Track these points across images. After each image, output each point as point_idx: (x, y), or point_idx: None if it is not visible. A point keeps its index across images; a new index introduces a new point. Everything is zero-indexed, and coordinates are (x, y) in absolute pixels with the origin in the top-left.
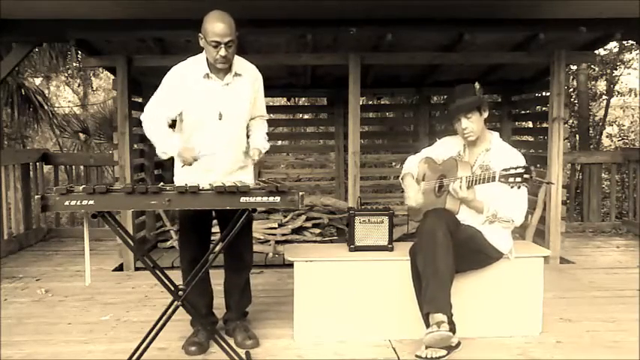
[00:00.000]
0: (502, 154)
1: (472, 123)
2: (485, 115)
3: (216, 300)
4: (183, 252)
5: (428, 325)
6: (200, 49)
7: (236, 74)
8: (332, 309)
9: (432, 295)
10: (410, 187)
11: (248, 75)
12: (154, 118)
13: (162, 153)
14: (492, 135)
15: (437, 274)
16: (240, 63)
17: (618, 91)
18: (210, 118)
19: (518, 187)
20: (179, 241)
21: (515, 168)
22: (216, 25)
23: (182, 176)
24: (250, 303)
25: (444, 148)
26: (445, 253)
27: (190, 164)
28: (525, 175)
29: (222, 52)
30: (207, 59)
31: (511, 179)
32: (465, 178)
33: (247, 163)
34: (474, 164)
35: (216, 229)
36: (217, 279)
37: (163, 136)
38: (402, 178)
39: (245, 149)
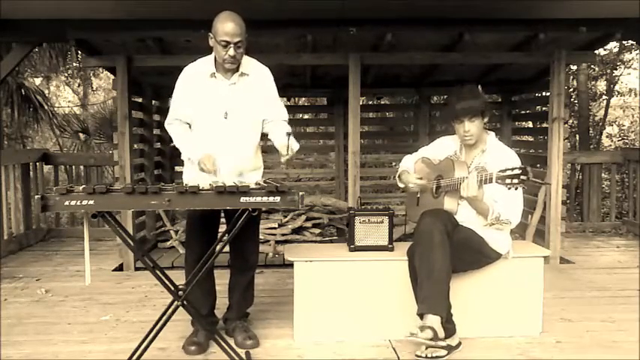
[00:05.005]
0: (498, 154)
1: (474, 127)
2: (486, 119)
3: (218, 300)
4: (189, 251)
5: None
6: (205, 50)
7: (243, 74)
8: (332, 309)
9: (425, 296)
10: (409, 176)
11: (256, 75)
12: (172, 123)
13: (187, 159)
14: (488, 135)
15: (432, 274)
16: (248, 63)
17: (618, 91)
18: (216, 118)
19: (516, 189)
20: (185, 240)
21: (512, 169)
22: (227, 25)
23: (191, 176)
24: (252, 305)
25: (440, 147)
26: (442, 254)
27: (209, 172)
28: (522, 177)
29: (231, 52)
30: (215, 59)
31: (508, 180)
32: (467, 178)
33: (258, 166)
34: (470, 165)
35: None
36: (221, 279)
37: (187, 142)
38: (398, 177)
39: (255, 151)
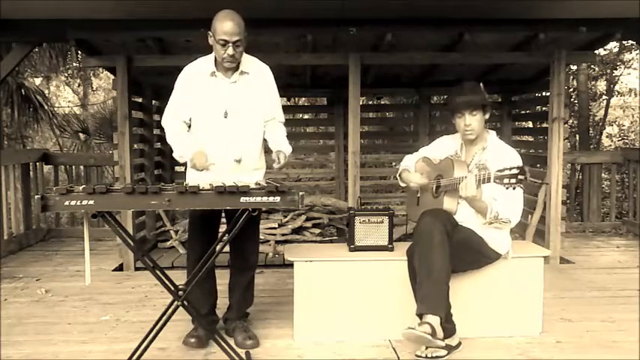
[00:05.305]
0: (498, 152)
1: (475, 121)
2: (487, 117)
3: (218, 300)
4: (191, 250)
5: None
6: (205, 49)
7: (243, 72)
8: (332, 309)
9: (424, 296)
10: (410, 175)
11: (256, 73)
12: (169, 120)
13: (179, 157)
14: (489, 134)
15: (431, 274)
16: (249, 61)
17: (618, 91)
18: (216, 117)
19: (514, 188)
20: (187, 240)
21: (510, 169)
22: (226, 24)
23: (193, 175)
24: (252, 305)
25: (441, 147)
26: (441, 254)
27: (200, 170)
28: (520, 176)
29: (230, 51)
30: (215, 58)
31: (506, 180)
32: (466, 178)
33: (260, 166)
34: (471, 163)
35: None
36: (221, 279)
37: (179, 140)
38: (399, 175)
39: (257, 149)
